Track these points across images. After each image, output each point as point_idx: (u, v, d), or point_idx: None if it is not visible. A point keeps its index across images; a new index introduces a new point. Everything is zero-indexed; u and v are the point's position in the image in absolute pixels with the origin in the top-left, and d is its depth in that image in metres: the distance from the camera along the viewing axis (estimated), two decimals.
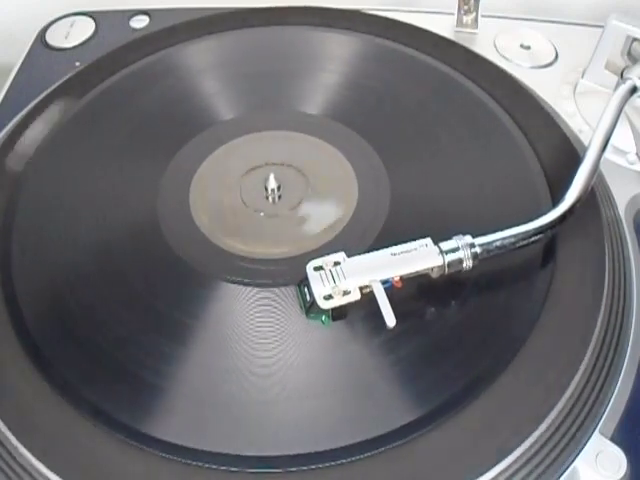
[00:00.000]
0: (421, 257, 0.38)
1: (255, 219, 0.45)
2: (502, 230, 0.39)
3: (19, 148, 0.48)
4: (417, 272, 0.38)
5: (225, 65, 0.54)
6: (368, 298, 0.36)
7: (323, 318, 0.38)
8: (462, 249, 0.38)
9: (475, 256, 0.38)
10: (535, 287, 0.40)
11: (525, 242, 0.39)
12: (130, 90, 0.52)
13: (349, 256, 0.38)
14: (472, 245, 0.38)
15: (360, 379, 0.37)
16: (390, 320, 0.35)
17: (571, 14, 0.64)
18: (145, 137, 0.49)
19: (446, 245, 0.38)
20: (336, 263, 0.38)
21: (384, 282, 0.37)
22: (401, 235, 0.39)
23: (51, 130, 0.49)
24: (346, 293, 0.37)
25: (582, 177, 0.41)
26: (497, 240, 0.38)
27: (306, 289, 0.38)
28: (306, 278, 0.37)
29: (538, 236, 0.39)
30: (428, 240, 0.38)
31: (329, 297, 0.36)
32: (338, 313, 0.37)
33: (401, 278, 0.37)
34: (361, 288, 0.37)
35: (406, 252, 0.38)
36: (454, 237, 0.38)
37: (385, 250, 0.38)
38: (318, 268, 0.37)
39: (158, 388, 0.37)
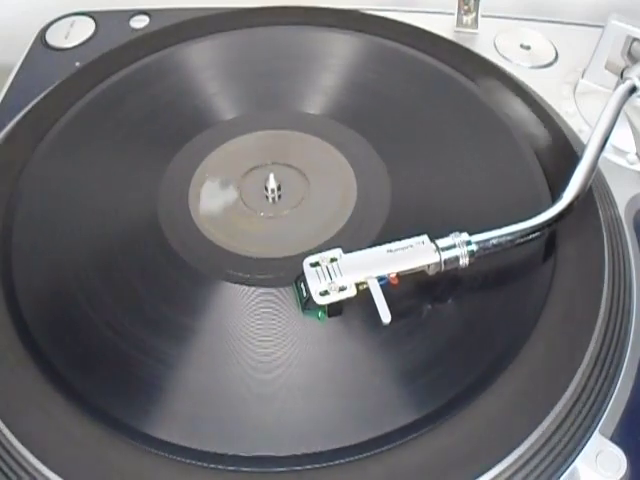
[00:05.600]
0: (417, 254, 0.38)
1: (255, 219, 0.45)
2: (500, 228, 0.39)
3: (19, 148, 0.48)
4: (413, 269, 0.38)
5: (225, 65, 0.54)
6: (365, 295, 0.36)
7: (319, 314, 0.38)
8: (458, 246, 0.37)
9: (472, 254, 0.38)
10: (535, 287, 0.40)
11: (522, 240, 0.39)
12: (130, 90, 0.52)
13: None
14: (468, 242, 0.38)
15: (360, 379, 0.37)
16: (385, 316, 0.35)
17: (571, 14, 0.64)
18: (145, 137, 0.49)
19: (442, 242, 0.38)
20: (333, 259, 0.38)
21: (380, 279, 0.37)
22: (401, 235, 0.39)
23: (51, 130, 0.49)
24: (342, 289, 0.37)
25: (580, 175, 0.41)
26: (494, 238, 0.38)
27: (302, 285, 0.38)
28: (302, 274, 0.37)
29: (535, 234, 0.39)
30: (425, 237, 0.38)
31: (325, 293, 0.36)
32: (334, 309, 0.37)
33: (397, 275, 0.37)
34: (357, 284, 0.37)
35: (402, 249, 0.38)
36: (451, 234, 0.38)
37: (382, 247, 0.38)
38: (315, 264, 0.38)
39: (158, 388, 0.37)
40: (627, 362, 0.39)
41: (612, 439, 0.36)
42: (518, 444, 0.34)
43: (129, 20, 0.61)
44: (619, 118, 0.44)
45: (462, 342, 0.38)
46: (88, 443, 0.34)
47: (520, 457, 0.34)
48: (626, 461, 0.35)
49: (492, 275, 0.40)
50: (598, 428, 0.36)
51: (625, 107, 0.45)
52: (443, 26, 0.58)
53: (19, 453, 0.35)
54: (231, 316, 0.40)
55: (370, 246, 0.39)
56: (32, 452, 0.34)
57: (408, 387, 0.36)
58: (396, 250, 0.38)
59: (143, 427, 0.35)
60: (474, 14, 0.58)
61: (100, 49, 0.56)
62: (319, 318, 0.38)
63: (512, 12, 0.60)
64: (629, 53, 0.50)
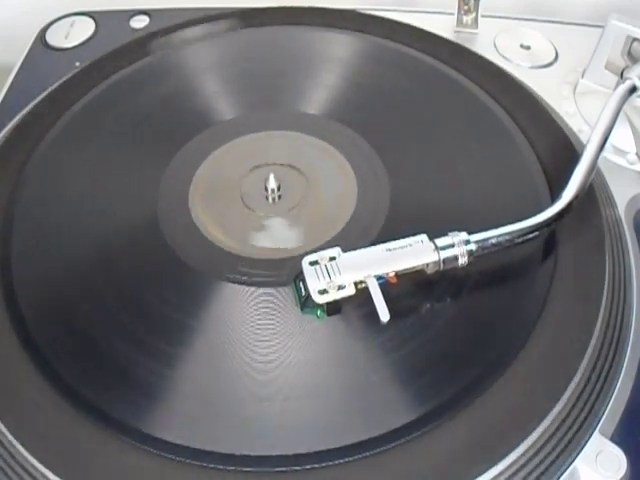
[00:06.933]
0: (416, 253, 0.38)
1: (255, 219, 0.45)
2: (499, 227, 0.39)
3: (19, 148, 0.48)
4: (412, 268, 0.38)
5: (225, 65, 0.54)
6: (364, 294, 0.36)
7: (318, 313, 0.38)
8: (457, 246, 0.37)
9: (470, 253, 0.38)
10: (535, 287, 0.40)
11: (522, 239, 0.39)
12: (130, 90, 0.52)
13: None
14: (467, 242, 0.38)
15: (360, 379, 0.37)
16: (384, 315, 0.35)
17: (571, 14, 0.64)
18: (145, 137, 0.49)
19: (441, 241, 0.38)
20: (331, 258, 0.38)
21: (379, 278, 0.37)
22: (401, 235, 0.39)
23: (51, 130, 0.49)
24: (341, 288, 0.37)
25: (579, 175, 0.41)
26: (493, 237, 0.38)
27: (301, 284, 0.38)
28: (301, 273, 0.37)
29: (534, 233, 0.39)
30: (424, 236, 0.38)
31: (324, 292, 0.36)
32: (333, 308, 0.37)
33: (396, 274, 0.37)
34: (356, 283, 0.37)
35: (401, 248, 0.38)
36: (450, 233, 0.38)
37: (380, 246, 0.38)
38: (314, 263, 0.38)
39: (158, 388, 0.37)
40: (627, 362, 0.39)
41: (612, 439, 0.36)
42: (518, 444, 0.34)
43: (129, 20, 0.61)
44: (619, 118, 0.44)
45: (461, 342, 0.38)
46: (87, 443, 0.34)
47: (520, 457, 0.34)
48: (626, 461, 0.35)
49: (491, 275, 0.40)
50: (598, 428, 0.36)
51: (625, 107, 0.45)
52: (443, 26, 0.58)
53: (19, 453, 0.35)
54: (231, 316, 0.39)
55: (369, 245, 0.39)
56: (32, 452, 0.34)
57: (407, 387, 0.36)
58: (395, 249, 0.38)
59: (143, 427, 0.35)
60: (474, 14, 0.58)
61: (100, 49, 0.56)
62: (318, 317, 0.38)
63: (512, 12, 0.60)
64: (629, 53, 0.50)
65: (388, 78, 0.52)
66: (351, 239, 0.42)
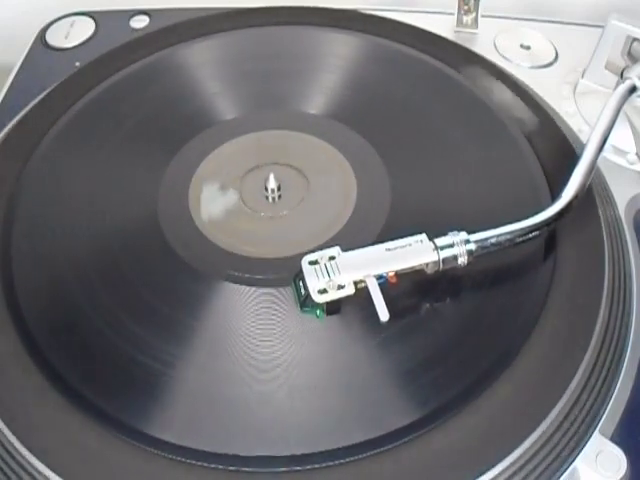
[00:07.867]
0: (416, 253, 0.38)
1: (255, 219, 0.45)
2: (499, 227, 0.39)
3: (19, 148, 0.48)
4: (411, 268, 0.38)
5: (225, 65, 0.54)
6: (364, 294, 0.36)
7: (317, 312, 0.38)
8: (457, 245, 0.38)
9: (470, 253, 0.38)
10: (535, 287, 0.40)
11: (521, 239, 0.39)
12: (130, 90, 0.52)
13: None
14: (467, 241, 0.38)
15: (360, 379, 0.37)
16: (383, 315, 0.35)
17: (571, 14, 0.64)
18: (145, 137, 0.49)
19: (441, 241, 0.38)
20: (331, 258, 0.38)
21: (378, 277, 0.37)
22: (401, 235, 0.39)
23: (51, 130, 0.49)
24: (340, 287, 0.37)
25: (579, 175, 0.41)
26: (492, 237, 0.38)
27: (301, 283, 0.38)
28: (301, 272, 0.37)
29: (534, 233, 0.39)
30: (423, 236, 0.38)
31: (323, 291, 0.37)
32: (332, 307, 0.37)
33: (396, 273, 0.37)
34: (355, 283, 0.37)
35: (401, 248, 0.38)
36: (449, 233, 0.38)
37: (380, 245, 0.38)
38: (313, 262, 0.38)
39: (158, 388, 0.37)
40: (627, 362, 0.39)
41: (612, 439, 0.36)
42: (518, 444, 0.34)
43: (129, 20, 0.61)
44: (619, 118, 0.44)
45: (461, 341, 0.38)
46: (88, 443, 0.34)
47: (520, 457, 0.34)
48: (626, 461, 0.35)
49: (491, 275, 0.40)
50: (598, 428, 0.36)
51: (625, 107, 0.45)
52: (443, 26, 0.58)
53: (19, 453, 0.35)
54: (231, 316, 0.39)
55: (369, 245, 0.39)
56: (32, 452, 0.34)
57: (408, 387, 0.36)
58: (395, 249, 0.38)
59: (143, 427, 0.35)
60: (474, 14, 0.58)
61: (100, 49, 0.56)
62: (317, 316, 0.38)
63: (512, 12, 0.60)
64: (629, 53, 0.50)
65: (388, 78, 0.52)
66: (351, 239, 0.42)
